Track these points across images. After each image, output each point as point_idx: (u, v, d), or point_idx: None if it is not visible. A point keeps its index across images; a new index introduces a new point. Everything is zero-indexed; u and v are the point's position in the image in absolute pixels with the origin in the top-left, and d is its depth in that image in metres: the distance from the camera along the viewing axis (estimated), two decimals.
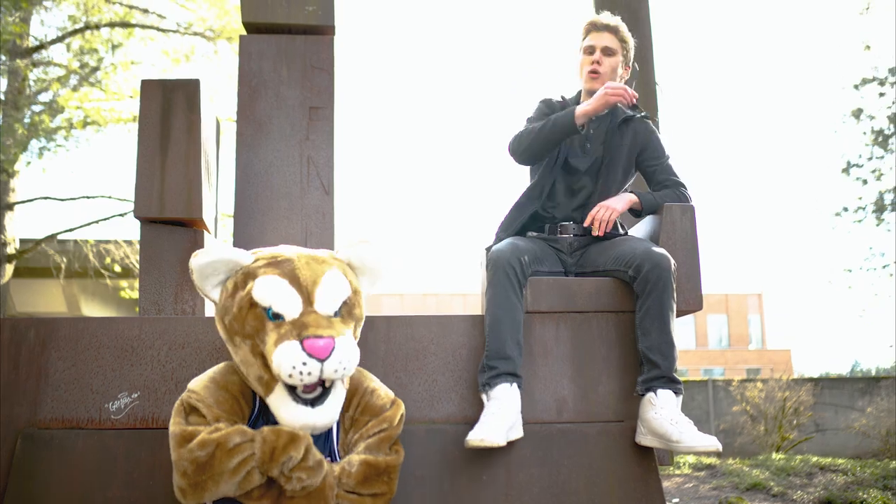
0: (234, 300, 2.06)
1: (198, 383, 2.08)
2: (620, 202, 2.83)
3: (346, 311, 2.12)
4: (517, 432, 2.48)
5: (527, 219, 2.93)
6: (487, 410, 2.45)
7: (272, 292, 2.02)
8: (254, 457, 1.91)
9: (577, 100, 3.07)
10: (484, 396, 2.53)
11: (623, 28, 3.02)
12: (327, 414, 2.01)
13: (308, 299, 2.03)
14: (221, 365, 2.17)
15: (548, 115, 3.01)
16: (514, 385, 2.50)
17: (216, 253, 2.09)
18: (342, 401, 2.08)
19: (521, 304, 2.59)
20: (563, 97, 3.12)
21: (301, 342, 1.92)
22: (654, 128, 3.05)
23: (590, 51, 2.99)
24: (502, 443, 2.35)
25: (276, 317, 2.00)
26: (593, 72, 2.96)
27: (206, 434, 1.92)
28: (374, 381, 2.26)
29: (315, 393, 1.99)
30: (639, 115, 3.03)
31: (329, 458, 2.11)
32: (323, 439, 2.13)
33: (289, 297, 2.02)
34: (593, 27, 3.01)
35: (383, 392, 2.23)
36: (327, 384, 2.02)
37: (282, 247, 2.21)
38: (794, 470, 4.99)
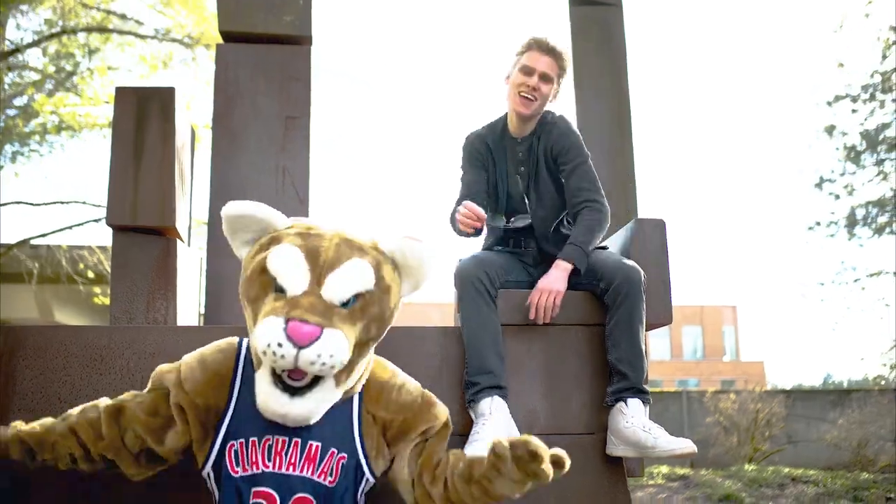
0: (251, 263, 1.91)
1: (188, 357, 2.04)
2: (559, 280, 2.59)
3: (360, 305, 1.89)
4: None
5: (495, 238, 2.91)
6: (473, 430, 2.42)
7: (283, 263, 1.85)
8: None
9: (503, 124, 2.88)
10: (472, 413, 2.50)
11: (567, 55, 2.79)
12: (305, 407, 1.82)
13: (318, 280, 1.84)
14: (214, 344, 2.07)
15: (475, 166, 2.89)
16: (498, 397, 2.46)
17: (248, 208, 1.93)
18: (329, 402, 1.89)
19: (496, 315, 2.56)
20: (485, 127, 2.92)
21: (286, 321, 1.73)
22: (569, 129, 2.82)
23: (527, 71, 2.73)
24: None
25: (280, 290, 1.84)
26: (527, 96, 2.73)
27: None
28: (399, 377, 2.14)
29: (303, 382, 1.80)
30: (550, 118, 2.82)
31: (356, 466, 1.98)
32: (346, 444, 1.97)
33: (297, 273, 1.84)
34: (537, 46, 2.74)
35: (412, 385, 2.14)
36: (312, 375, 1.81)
37: (324, 221, 1.99)
38: (766, 481, 5.04)
